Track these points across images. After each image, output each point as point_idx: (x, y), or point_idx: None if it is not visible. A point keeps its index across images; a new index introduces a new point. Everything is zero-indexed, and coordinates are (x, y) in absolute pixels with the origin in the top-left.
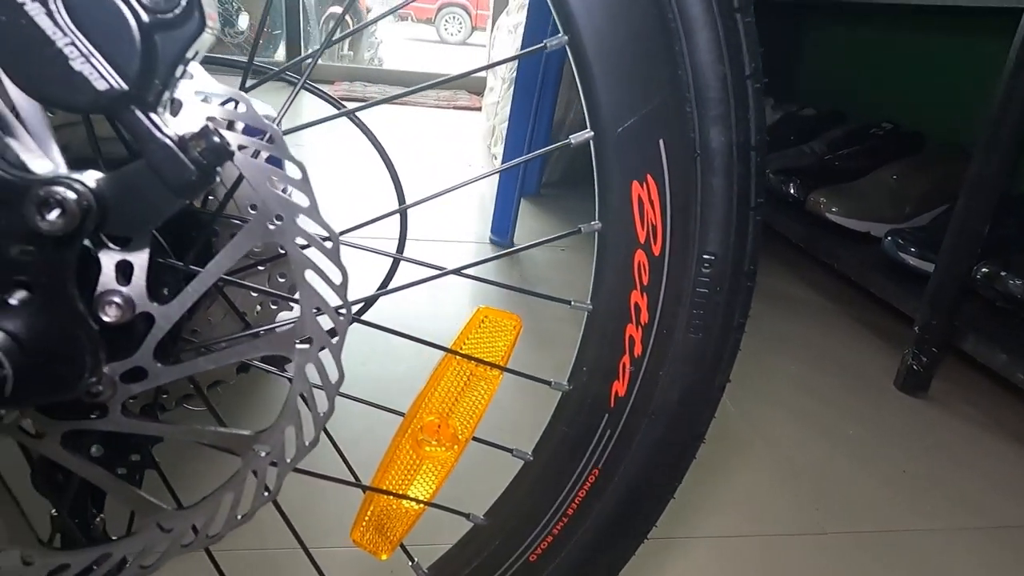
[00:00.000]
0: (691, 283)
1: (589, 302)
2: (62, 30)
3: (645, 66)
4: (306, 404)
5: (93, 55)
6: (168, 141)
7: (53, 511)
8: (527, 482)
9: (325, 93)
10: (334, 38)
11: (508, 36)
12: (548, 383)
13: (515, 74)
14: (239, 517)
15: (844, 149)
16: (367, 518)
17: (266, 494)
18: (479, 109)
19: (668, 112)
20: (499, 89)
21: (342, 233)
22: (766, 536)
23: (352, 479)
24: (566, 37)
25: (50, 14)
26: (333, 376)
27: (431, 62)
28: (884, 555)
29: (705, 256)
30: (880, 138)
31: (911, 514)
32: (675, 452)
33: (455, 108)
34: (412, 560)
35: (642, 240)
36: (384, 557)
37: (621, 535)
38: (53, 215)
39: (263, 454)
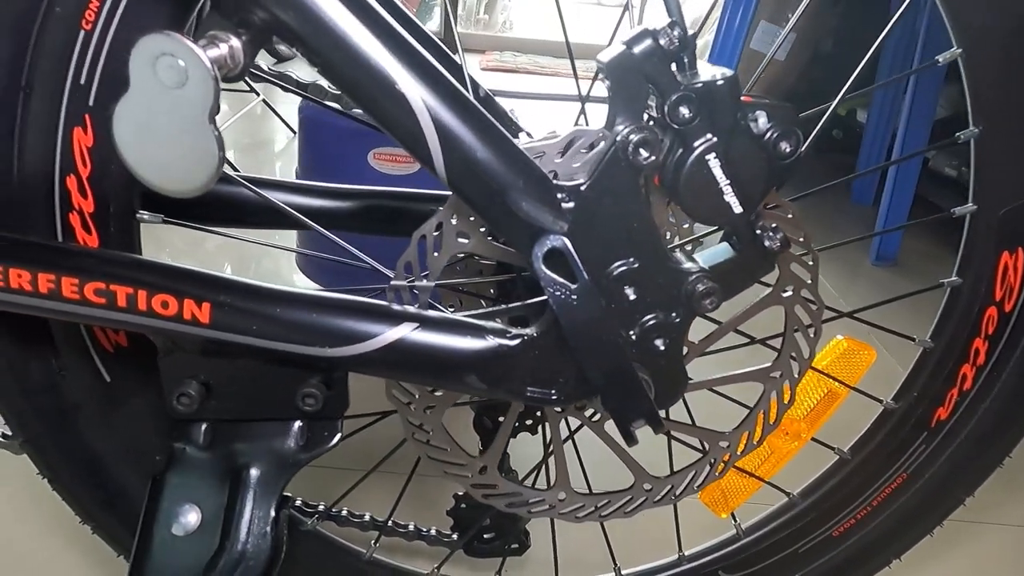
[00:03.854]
0: None
1: (930, 339)
2: (725, 175)
3: None
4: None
5: (738, 189)
6: (758, 241)
7: (479, 447)
8: (842, 475)
9: None
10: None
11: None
12: (880, 401)
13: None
14: (695, 487)
15: None
16: (718, 485)
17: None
18: None
19: None
20: None
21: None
22: (981, 524)
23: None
24: (977, 130)
25: (723, 165)
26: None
27: (575, 28)
28: None
29: None
30: None
31: None
32: (977, 470)
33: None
34: (735, 520)
35: (998, 298)
36: (723, 516)
37: (913, 526)
38: (708, 302)
39: (724, 446)
